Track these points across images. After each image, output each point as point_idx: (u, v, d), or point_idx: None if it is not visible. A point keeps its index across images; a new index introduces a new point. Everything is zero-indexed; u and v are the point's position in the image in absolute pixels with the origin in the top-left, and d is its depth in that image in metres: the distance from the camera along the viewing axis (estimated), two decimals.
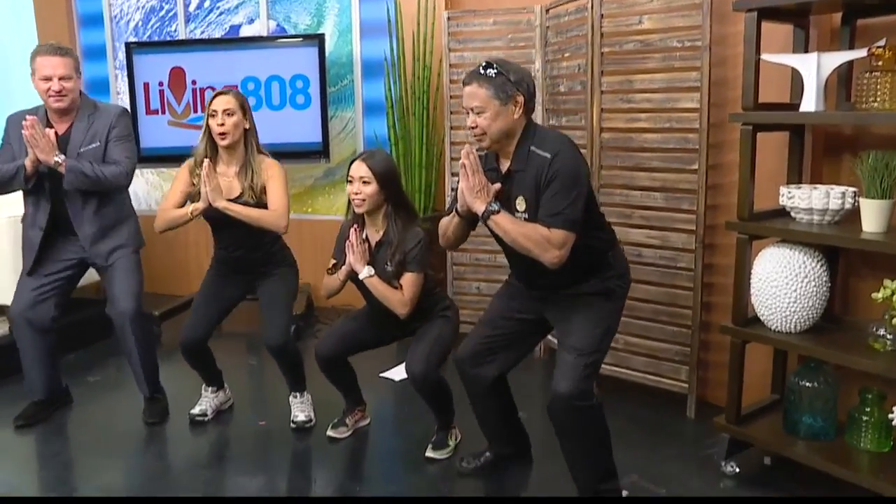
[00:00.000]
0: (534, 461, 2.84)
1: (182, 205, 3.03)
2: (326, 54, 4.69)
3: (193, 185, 3.02)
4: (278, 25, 5.02)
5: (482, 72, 2.27)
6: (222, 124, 2.94)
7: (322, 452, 3.01)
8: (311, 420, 3.18)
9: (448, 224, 2.50)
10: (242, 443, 3.14)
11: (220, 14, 5.17)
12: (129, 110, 3.26)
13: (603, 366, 3.41)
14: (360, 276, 2.76)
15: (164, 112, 4.89)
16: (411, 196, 4.37)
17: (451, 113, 4.07)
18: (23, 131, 2.90)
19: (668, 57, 3.12)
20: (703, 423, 3.07)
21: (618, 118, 3.29)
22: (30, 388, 3.30)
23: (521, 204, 2.31)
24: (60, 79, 3.01)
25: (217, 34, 5.15)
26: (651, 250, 3.25)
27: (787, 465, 2.67)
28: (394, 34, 4.45)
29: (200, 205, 2.93)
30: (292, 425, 3.16)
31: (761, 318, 2.60)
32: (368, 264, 2.78)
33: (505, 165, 2.37)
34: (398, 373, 3.77)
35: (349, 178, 2.77)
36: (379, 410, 3.35)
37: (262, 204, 2.99)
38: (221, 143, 2.97)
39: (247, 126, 3.03)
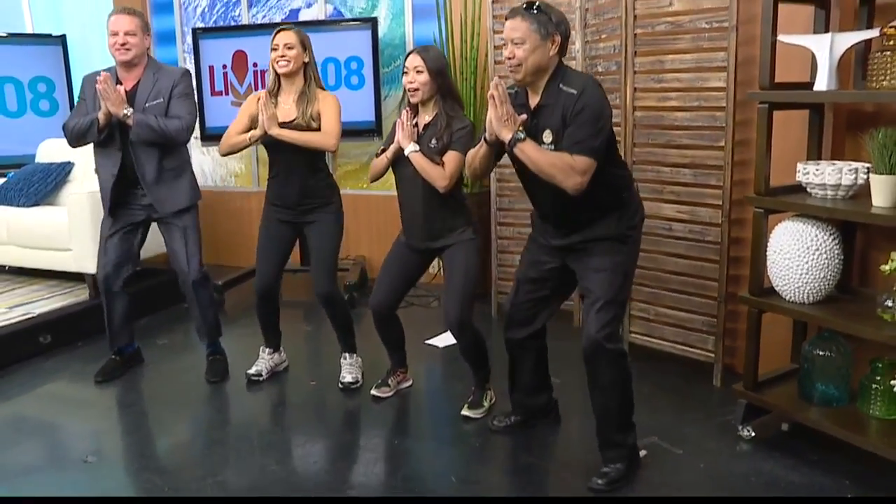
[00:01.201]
0: (561, 421, 3.02)
1: (246, 132, 3.28)
2: (379, 37, 4.90)
3: (256, 117, 3.23)
4: (335, 9, 5.25)
5: (526, 8, 2.43)
6: (283, 56, 3.18)
7: (367, 410, 3.26)
8: (357, 381, 3.43)
9: (475, 154, 2.65)
10: (294, 400, 3.42)
11: None
12: (195, 88, 3.51)
13: (633, 335, 3.61)
14: (406, 152, 2.95)
15: (227, 93, 5.20)
16: None
17: None
18: (97, 86, 3.20)
19: (696, 38, 3.21)
20: (727, 390, 3.19)
21: (650, 97, 3.40)
22: (112, 340, 3.65)
23: (547, 136, 2.45)
24: (126, 33, 3.31)
25: (277, 18, 5.42)
26: (681, 224, 3.38)
27: (803, 432, 2.79)
28: (442, 17, 4.64)
29: (257, 132, 3.18)
30: (340, 386, 3.41)
31: (776, 288, 2.72)
32: (415, 143, 2.97)
33: (534, 102, 2.51)
34: (442, 340, 3.99)
35: (405, 70, 2.97)
36: (421, 374, 3.58)
37: (314, 130, 3.21)
38: (281, 71, 3.21)
39: (306, 60, 3.25)
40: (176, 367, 3.84)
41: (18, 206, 4.87)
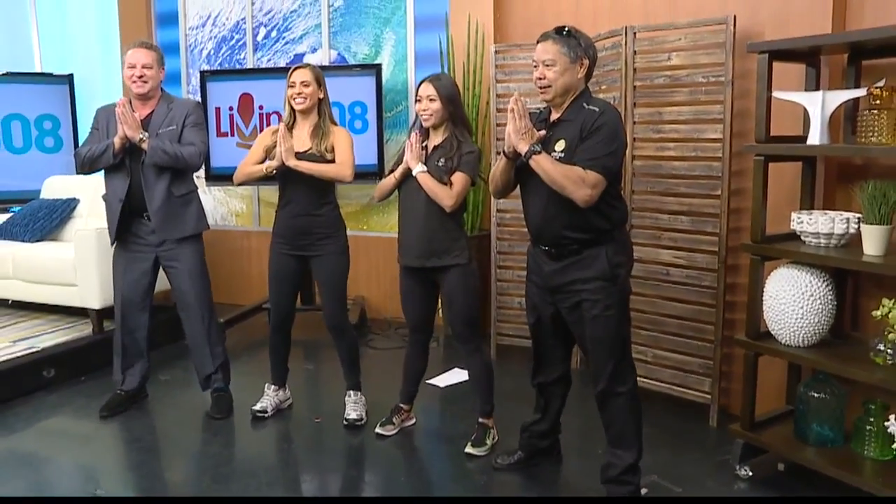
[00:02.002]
0: (563, 460, 3.09)
1: (261, 162, 3.38)
2: (383, 82, 5.05)
3: (272, 149, 3.34)
4: (339, 55, 5.41)
5: (557, 32, 2.57)
6: (300, 93, 3.31)
7: (371, 448, 3.31)
8: (362, 419, 3.49)
9: (496, 169, 2.77)
10: (299, 436, 3.47)
11: (286, 44, 5.59)
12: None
13: None
14: (414, 172, 3.06)
15: (232, 134, 5.32)
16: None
17: (498, 139, 4.36)
18: (116, 109, 3.31)
19: (694, 91, 3.37)
20: (723, 431, 3.29)
21: (648, 147, 3.55)
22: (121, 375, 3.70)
23: (559, 145, 2.56)
24: (143, 66, 3.44)
25: (282, 62, 5.57)
26: (678, 269, 3.50)
27: (799, 472, 2.89)
28: (445, 64, 4.80)
29: (275, 162, 3.28)
30: (344, 423, 3.47)
31: (772, 332, 2.84)
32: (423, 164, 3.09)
33: (555, 117, 2.64)
34: (443, 380, 4.07)
35: (418, 98, 3.10)
36: (423, 413, 3.64)
37: (328, 161, 3.32)
38: (297, 107, 3.33)
39: (321, 96, 3.38)
40: (180, 402, 3.88)
41: (24, 241, 4.94)
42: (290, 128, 3.38)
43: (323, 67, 5.22)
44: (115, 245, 3.62)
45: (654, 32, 3.48)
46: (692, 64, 3.36)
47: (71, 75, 6.14)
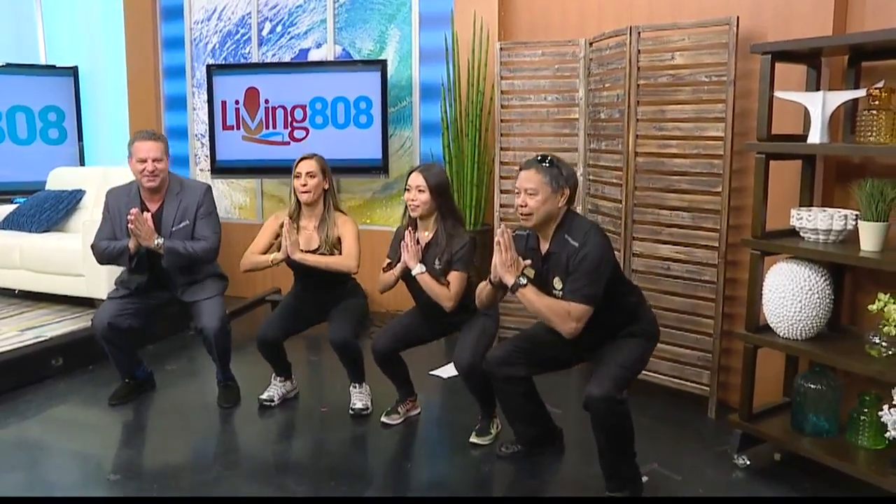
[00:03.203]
0: (565, 450, 3.17)
1: (267, 251, 3.49)
2: (388, 78, 5.12)
3: (278, 236, 3.46)
4: (344, 50, 5.47)
5: (540, 162, 2.66)
6: (305, 185, 3.40)
7: (377, 436, 3.38)
8: (367, 408, 3.56)
9: (482, 289, 2.88)
10: (306, 425, 3.54)
11: (291, 38, 5.64)
12: (211, 189, 3.74)
13: None
14: (413, 273, 3.14)
15: (238, 128, 5.38)
16: (463, 210, 4.75)
17: (501, 135, 4.42)
18: (129, 226, 3.33)
19: (696, 90, 3.44)
20: (722, 422, 3.37)
21: (651, 144, 3.62)
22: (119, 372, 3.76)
23: (557, 283, 2.68)
24: (154, 160, 3.46)
25: (287, 57, 5.62)
26: (678, 264, 3.57)
27: (795, 461, 2.97)
28: (450, 61, 4.85)
29: (280, 255, 3.38)
30: (350, 412, 3.54)
31: (771, 325, 2.91)
32: (420, 262, 3.15)
33: (544, 247, 2.74)
34: (446, 371, 4.14)
35: (407, 187, 3.18)
36: (429, 403, 3.71)
37: (336, 253, 3.43)
38: (303, 200, 3.42)
39: (326, 187, 3.47)
40: (187, 391, 3.95)
41: (31, 231, 4.99)
42: (296, 218, 3.47)
43: (331, 63, 5.34)
44: None
45: (659, 32, 3.55)
46: (695, 63, 3.43)
47: (75, 67, 6.20)
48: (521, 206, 2.66)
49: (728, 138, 3.31)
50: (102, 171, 5.40)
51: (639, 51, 3.59)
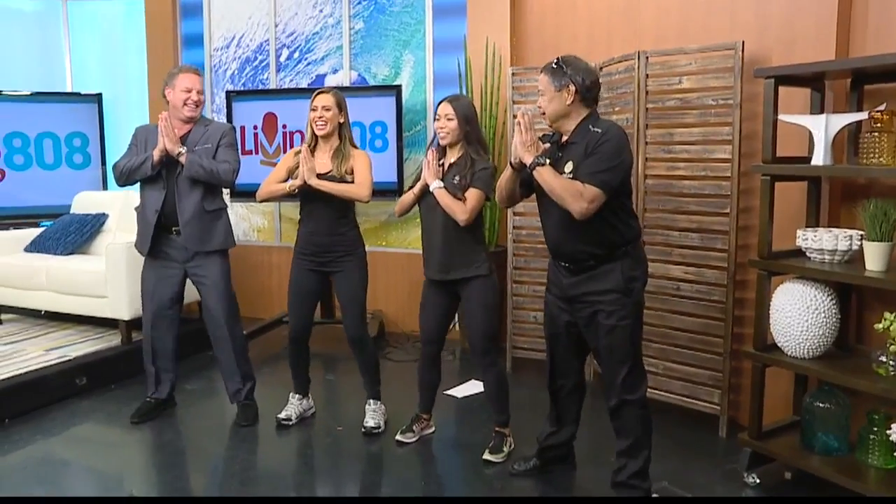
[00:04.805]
0: (577, 467, 3.21)
1: (284, 181, 3.56)
2: (403, 102, 5.22)
3: (294, 170, 3.53)
4: (360, 76, 5.59)
5: (549, 64, 2.75)
6: (322, 117, 3.48)
7: (392, 454, 3.44)
8: (380, 427, 3.62)
9: (503, 178, 2.92)
10: (322, 443, 3.60)
11: (308, 65, 5.77)
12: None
13: None
14: (431, 188, 3.22)
15: (257, 153, 5.50)
16: None
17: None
18: (159, 122, 3.49)
19: (704, 113, 3.51)
20: (732, 441, 3.39)
21: (660, 166, 3.68)
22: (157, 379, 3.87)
23: (568, 166, 2.70)
24: (198, 92, 3.64)
25: (304, 83, 5.75)
26: (688, 285, 3.62)
27: (806, 480, 2.99)
28: (464, 86, 4.95)
29: (297, 181, 3.45)
30: (363, 430, 3.61)
31: (779, 344, 2.96)
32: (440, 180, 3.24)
33: (564, 138, 2.79)
34: (461, 391, 4.20)
35: (436, 117, 3.28)
36: (442, 422, 3.76)
37: (348, 182, 3.49)
38: (319, 132, 3.51)
39: (341, 120, 3.56)
40: (207, 410, 4.03)
41: (56, 254, 5.12)
42: (312, 149, 3.54)
43: (344, 88, 5.45)
44: (145, 259, 3.77)
45: (666, 57, 3.63)
46: (702, 87, 3.50)
47: (99, 94, 6.35)
48: (539, 107, 2.78)
49: (735, 160, 3.37)
50: (124, 195, 5.52)
51: (647, 75, 3.67)
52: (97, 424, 3.83)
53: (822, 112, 3.00)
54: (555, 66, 2.72)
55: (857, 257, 2.81)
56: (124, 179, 3.69)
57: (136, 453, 3.53)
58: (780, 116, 2.90)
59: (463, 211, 3.18)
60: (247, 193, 5.56)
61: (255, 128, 5.48)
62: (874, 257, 2.68)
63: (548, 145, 2.76)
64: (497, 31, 4.88)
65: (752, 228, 3.44)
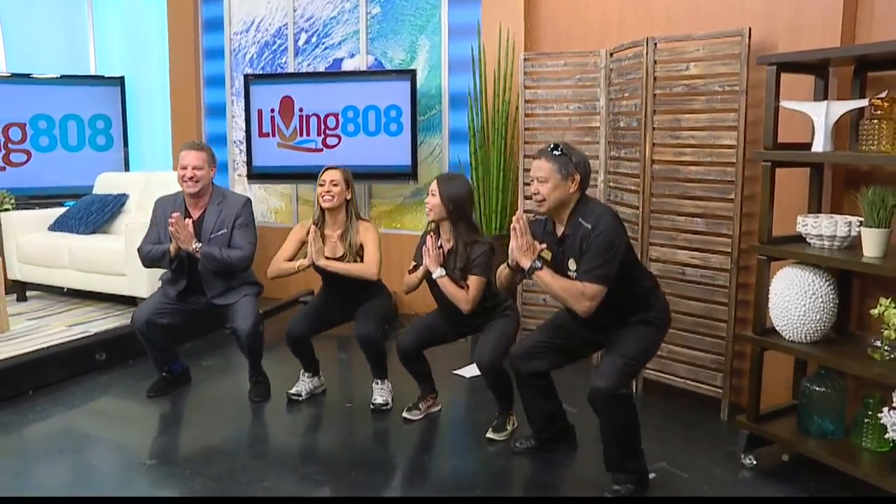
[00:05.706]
0: (578, 447, 3.27)
1: (293, 258, 3.69)
2: (418, 87, 5.28)
3: (303, 243, 3.66)
4: (376, 60, 5.65)
5: (550, 151, 2.79)
6: (329, 191, 3.59)
7: (398, 430, 3.53)
8: (387, 404, 3.72)
9: (501, 272, 3.02)
10: (331, 419, 3.71)
11: (325, 49, 5.84)
12: (251, 201, 3.95)
13: (648, 370, 3.85)
14: (434, 276, 3.29)
15: (274, 135, 5.59)
16: (488, 215, 4.90)
17: (526, 143, 4.54)
18: (169, 228, 3.56)
19: (710, 99, 3.53)
20: (734, 424, 3.42)
21: (667, 152, 3.71)
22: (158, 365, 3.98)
23: (572, 265, 2.79)
24: (193, 167, 3.69)
25: (321, 67, 5.83)
26: (693, 269, 3.66)
27: (803, 462, 3.04)
28: (477, 71, 5.00)
29: (306, 262, 3.57)
30: (371, 407, 3.70)
31: (777, 328, 2.99)
32: (441, 266, 3.30)
33: (560, 230, 2.86)
34: (469, 371, 4.27)
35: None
36: (448, 401, 3.85)
37: (359, 260, 3.61)
38: (325, 205, 3.61)
39: (348, 197, 3.65)
40: (221, 386, 4.15)
41: (78, 233, 5.27)
42: (321, 226, 3.65)
43: (362, 73, 5.53)
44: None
45: (674, 43, 3.65)
46: (709, 73, 3.52)
47: (122, 77, 6.48)
48: (535, 194, 2.81)
49: (741, 146, 3.39)
50: (145, 176, 5.67)
51: (655, 61, 3.69)
52: (115, 398, 3.96)
53: (825, 99, 3.01)
54: (559, 154, 2.76)
55: (856, 243, 2.84)
56: (148, 266, 3.84)
57: (152, 426, 3.65)
58: (782, 103, 2.92)
59: (466, 301, 3.26)
60: (265, 176, 5.70)
61: (272, 111, 5.57)
62: (871, 243, 2.70)
63: (544, 245, 2.84)
64: (511, 16, 4.91)
65: (756, 214, 3.44)
